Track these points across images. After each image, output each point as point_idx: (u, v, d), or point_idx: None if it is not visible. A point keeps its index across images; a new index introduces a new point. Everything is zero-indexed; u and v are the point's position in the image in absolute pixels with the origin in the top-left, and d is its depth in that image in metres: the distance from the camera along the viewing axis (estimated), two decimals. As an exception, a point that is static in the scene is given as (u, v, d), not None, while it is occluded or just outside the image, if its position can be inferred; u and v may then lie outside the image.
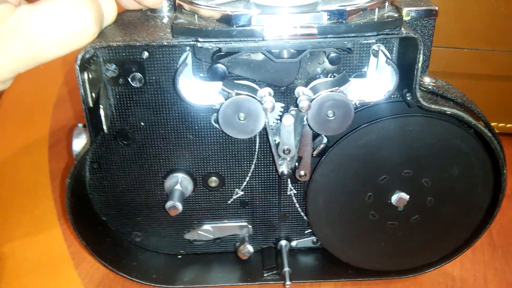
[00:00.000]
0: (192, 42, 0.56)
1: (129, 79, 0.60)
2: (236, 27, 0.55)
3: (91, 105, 0.54)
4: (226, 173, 0.67)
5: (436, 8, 0.66)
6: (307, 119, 0.57)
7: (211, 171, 0.67)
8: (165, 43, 0.57)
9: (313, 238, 0.71)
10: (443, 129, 0.60)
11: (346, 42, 0.58)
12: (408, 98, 0.58)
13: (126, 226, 0.70)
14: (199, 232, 0.71)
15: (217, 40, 0.56)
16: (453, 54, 1.03)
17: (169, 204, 0.63)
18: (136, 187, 0.67)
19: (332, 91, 0.57)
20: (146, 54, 0.59)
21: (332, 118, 0.57)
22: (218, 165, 0.67)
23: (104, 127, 0.62)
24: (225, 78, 0.59)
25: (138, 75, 0.60)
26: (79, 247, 0.74)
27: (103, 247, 0.66)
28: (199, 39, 0.56)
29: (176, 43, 0.57)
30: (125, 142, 0.64)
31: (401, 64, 0.57)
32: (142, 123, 0.63)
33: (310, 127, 0.58)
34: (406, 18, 0.65)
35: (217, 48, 0.55)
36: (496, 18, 0.97)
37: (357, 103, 0.58)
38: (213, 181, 0.69)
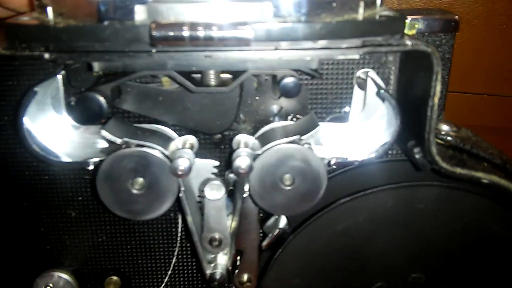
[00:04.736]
0: (37, 53, 0.32)
1: None
2: (107, 23, 0.30)
3: None
4: (131, 271, 0.51)
5: (456, 17, 0.47)
6: (249, 188, 0.41)
7: (108, 267, 0.50)
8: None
9: None
10: (475, 207, 0.45)
11: (308, 58, 0.35)
12: (417, 156, 0.42)
13: None
14: None
15: (78, 50, 0.33)
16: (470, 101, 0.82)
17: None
18: None
19: (291, 142, 0.40)
20: None
21: (290, 188, 0.40)
22: (119, 259, 0.50)
23: None
24: (102, 116, 0.37)
25: None
26: None
27: None
28: (51, 47, 0.32)
29: (8, 53, 0.32)
30: (-35, 221, 0.47)
31: (405, 100, 0.43)
32: None
33: (254, 202, 0.41)
34: (410, 32, 0.44)
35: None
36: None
37: (332, 163, 0.42)
38: (113, 282, 0.51)
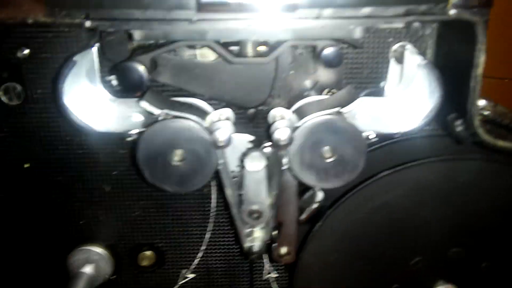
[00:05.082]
0: (78, 20, 0.32)
1: (1, 93, 0.44)
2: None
3: None
4: (166, 245, 0.51)
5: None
6: (288, 161, 0.40)
7: (142, 242, 0.50)
8: (30, 21, 0.32)
9: None
10: (516, 181, 0.44)
11: (352, 27, 0.35)
12: (459, 129, 0.40)
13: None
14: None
15: (119, 18, 0.34)
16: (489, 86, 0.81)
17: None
18: (24, 267, 0.50)
19: (331, 114, 0.39)
20: (26, 51, 0.42)
21: (331, 160, 0.39)
22: (153, 233, 0.50)
23: None
24: (142, 87, 0.37)
25: (15, 86, 0.43)
26: None
27: None
28: (92, 15, 0.32)
29: (48, 20, 0.32)
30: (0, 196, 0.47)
31: (443, 73, 0.41)
32: (27, 164, 0.46)
33: (293, 174, 0.41)
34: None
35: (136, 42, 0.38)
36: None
37: (371, 136, 0.41)
38: (146, 257, 0.51)
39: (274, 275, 0.52)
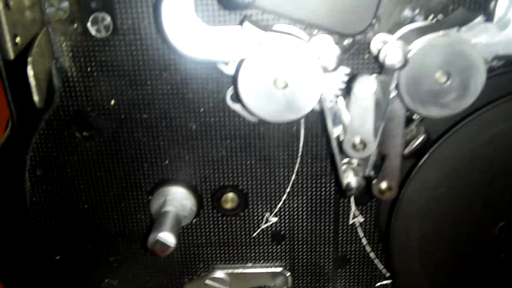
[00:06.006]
0: None
1: (89, 24, 0.42)
2: None
3: (10, 57, 0.38)
4: (249, 187, 0.50)
5: None
6: (398, 88, 0.38)
7: (226, 183, 0.49)
8: None
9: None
10: None
11: None
12: None
13: (93, 270, 0.54)
14: (207, 281, 0.54)
15: None
16: None
17: (153, 238, 0.44)
18: (106, 208, 0.50)
19: (447, 35, 0.37)
20: None
21: (447, 86, 0.37)
22: (237, 174, 0.49)
23: (36, 98, 0.40)
24: (249, 5, 0.34)
25: (104, 17, 0.42)
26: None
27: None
28: None
29: None
30: (85, 134, 0.46)
31: None
32: (113, 101, 0.45)
33: (403, 102, 0.39)
34: None
35: None
36: None
37: (489, 61, 0.39)
38: (229, 200, 0.50)
39: (360, 219, 0.50)
